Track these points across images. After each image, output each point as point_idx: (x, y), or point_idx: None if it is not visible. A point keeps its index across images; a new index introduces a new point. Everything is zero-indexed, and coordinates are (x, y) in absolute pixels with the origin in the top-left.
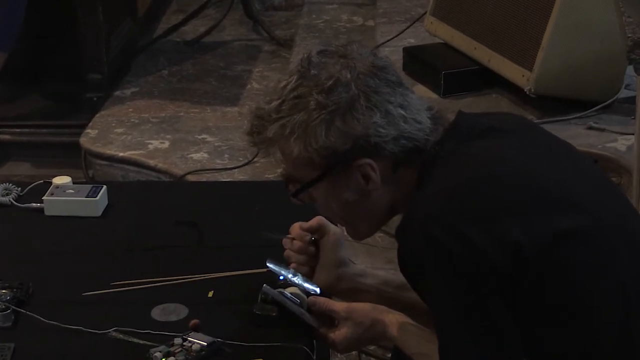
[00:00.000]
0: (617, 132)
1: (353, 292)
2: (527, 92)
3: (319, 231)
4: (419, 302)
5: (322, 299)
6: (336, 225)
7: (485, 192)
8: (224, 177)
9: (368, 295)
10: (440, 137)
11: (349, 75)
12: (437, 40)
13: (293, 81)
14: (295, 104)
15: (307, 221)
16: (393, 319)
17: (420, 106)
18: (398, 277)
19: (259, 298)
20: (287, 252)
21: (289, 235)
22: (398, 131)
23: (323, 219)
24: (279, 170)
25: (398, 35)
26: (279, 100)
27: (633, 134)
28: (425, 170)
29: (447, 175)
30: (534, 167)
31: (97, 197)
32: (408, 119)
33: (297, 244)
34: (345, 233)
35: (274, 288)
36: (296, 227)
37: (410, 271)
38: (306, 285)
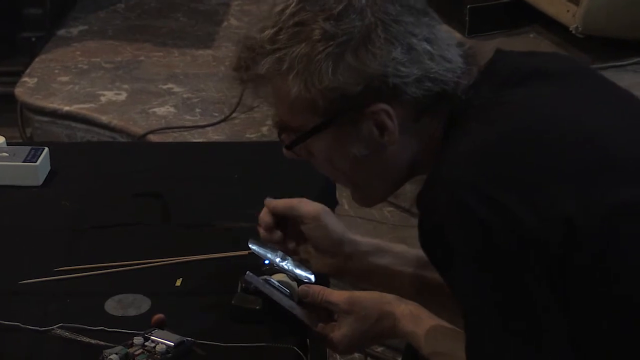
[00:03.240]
0: None
1: (366, 275)
2: (573, 32)
3: (290, 217)
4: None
5: (317, 288)
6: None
7: (528, 153)
8: (195, 137)
9: (385, 278)
10: (474, 80)
11: (363, 0)
12: None
13: (293, 4)
14: (296, 33)
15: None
16: (405, 311)
17: (449, 41)
18: (421, 252)
19: (239, 287)
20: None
21: (259, 226)
22: (422, 71)
23: (292, 201)
24: (271, 116)
25: None
26: (275, 28)
27: None
28: (454, 121)
29: (482, 129)
30: (591, 121)
31: (37, 162)
32: (435, 56)
33: (262, 233)
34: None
35: (258, 275)
36: (264, 217)
37: (433, 248)
38: (298, 271)
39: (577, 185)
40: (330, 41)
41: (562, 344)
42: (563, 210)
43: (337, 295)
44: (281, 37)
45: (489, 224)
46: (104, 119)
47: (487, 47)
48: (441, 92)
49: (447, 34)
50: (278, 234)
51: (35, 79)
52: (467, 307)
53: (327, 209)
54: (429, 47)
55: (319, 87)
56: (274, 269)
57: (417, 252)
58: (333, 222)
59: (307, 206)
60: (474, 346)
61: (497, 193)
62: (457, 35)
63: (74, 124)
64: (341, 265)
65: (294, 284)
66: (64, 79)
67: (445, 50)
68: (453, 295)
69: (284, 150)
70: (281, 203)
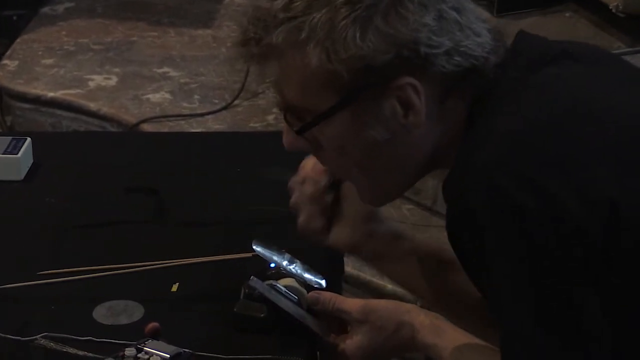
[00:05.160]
0: None
1: (383, 258)
2: (614, 10)
3: None
4: (473, 290)
5: (329, 295)
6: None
7: (567, 134)
8: (194, 127)
9: (403, 266)
10: (502, 59)
11: None
12: None
13: None
14: None
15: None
16: (426, 321)
17: (478, 14)
18: (448, 251)
19: (242, 293)
20: (294, 200)
21: (298, 178)
22: (453, 42)
23: None
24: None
25: None
26: None
27: None
28: (480, 103)
29: (514, 110)
30: (632, 103)
31: (19, 154)
32: (464, 28)
33: (310, 189)
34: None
35: (263, 280)
36: (309, 167)
37: (461, 239)
38: (307, 275)
39: (620, 168)
40: (356, 4)
41: (606, 349)
42: (605, 193)
43: (350, 303)
44: (297, 4)
45: (525, 205)
46: (92, 106)
47: (513, 27)
48: (471, 68)
49: (475, 6)
50: (331, 196)
51: (17, 62)
52: (501, 308)
53: None
54: (458, 17)
55: (344, 56)
56: (281, 273)
57: (439, 245)
58: None
59: None
60: (509, 355)
61: (533, 174)
62: (484, 15)
63: (59, 112)
64: (360, 241)
65: (303, 290)
66: (48, 61)
67: (473, 23)
68: (481, 295)
69: (289, 138)
70: None
